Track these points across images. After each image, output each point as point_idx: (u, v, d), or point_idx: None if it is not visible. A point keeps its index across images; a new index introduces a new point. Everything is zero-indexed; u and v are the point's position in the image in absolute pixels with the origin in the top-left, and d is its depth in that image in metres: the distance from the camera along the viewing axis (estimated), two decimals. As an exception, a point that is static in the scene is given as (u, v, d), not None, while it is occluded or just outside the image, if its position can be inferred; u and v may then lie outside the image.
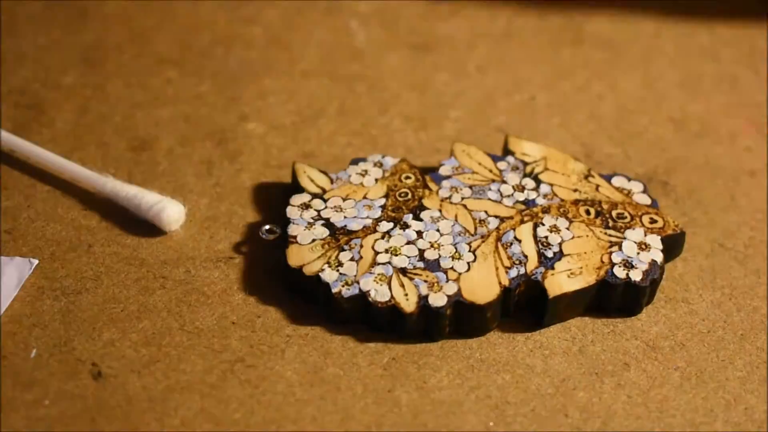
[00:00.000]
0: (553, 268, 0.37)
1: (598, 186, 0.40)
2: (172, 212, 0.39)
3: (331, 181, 0.40)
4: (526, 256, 0.37)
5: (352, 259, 0.37)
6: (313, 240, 0.38)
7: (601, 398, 0.35)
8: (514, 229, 0.38)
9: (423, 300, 0.36)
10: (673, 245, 0.39)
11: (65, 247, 0.39)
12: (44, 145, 0.42)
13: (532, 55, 0.50)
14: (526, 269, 0.37)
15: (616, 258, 0.37)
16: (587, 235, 0.38)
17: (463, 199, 0.39)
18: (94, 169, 0.41)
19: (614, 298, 0.37)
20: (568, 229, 0.38)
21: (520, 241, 0.38)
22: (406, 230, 0.38)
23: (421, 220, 0.38)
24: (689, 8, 0.53)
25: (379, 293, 0.36)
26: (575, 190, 0.40)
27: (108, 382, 0.35)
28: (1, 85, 0.46)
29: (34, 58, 0.47)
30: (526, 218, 0.39)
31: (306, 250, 0.37)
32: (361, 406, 0.34)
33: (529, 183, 0.40)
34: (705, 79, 0.49)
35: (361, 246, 0.37)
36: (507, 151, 0.42)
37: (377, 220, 0.38)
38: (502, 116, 0.46)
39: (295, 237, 0.38)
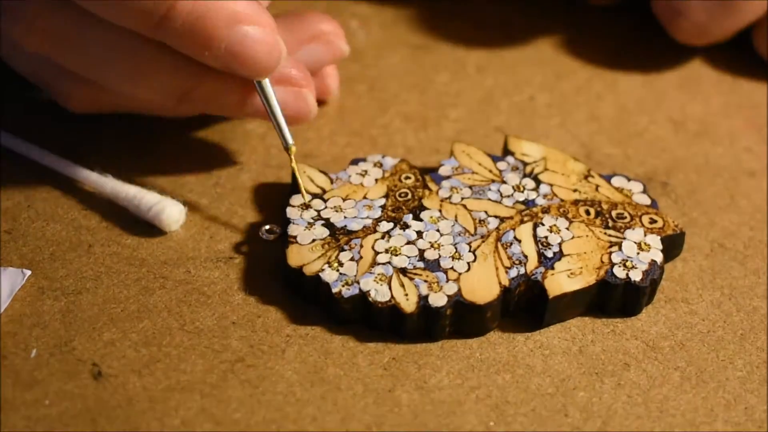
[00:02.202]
0: (553, 268, 0.37)
1: (597, 186, 0.40)
2: (172, 212, 0.39)
3: (331, 182, 0.40)
4: (526, 256, 0.37)
5: (352, 259, 0.37)
6: (313, 240, 0.38)
7: (601, 398, 0.35)
8: (514, 229, 0.38)
9: (423, 300, 0.36)
10: (672, 245, 0.39)
11: (65, 247, 0.39)
12: (44, 145, 0.42)
13: (531, 55, 0.50)
14: (526, 269, 0.37)
15: (616, 258, 0.37)
16: (587, 235, 0.38)
17: (462, 199, 0.39)
18: (94, 169, 0.41)
19: (614, 298, 0.37)
20: (567, 229, 0.38)
21: (520, 241, 0.38)
22: (406, 230, 0.38)
23: (421, 220, 0.38)
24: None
25: (379, 293, 0.36)
26: (575, 191, 0.40)
27: (108, 382, 0.35)
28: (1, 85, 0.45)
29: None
30: (525, 218, 0.39)
31: (306, 250, 0.37)
32: (361, 406, 0.34)
33: (529, 183, 0.40)
34: (704, 79, 0.49)
35: (361, 246, 0.37)
36: (506, 152, 0.42)
37: (377, 220, 0.38)
38: (502, 116, 0.46)
39: (295, 237, 0.38)
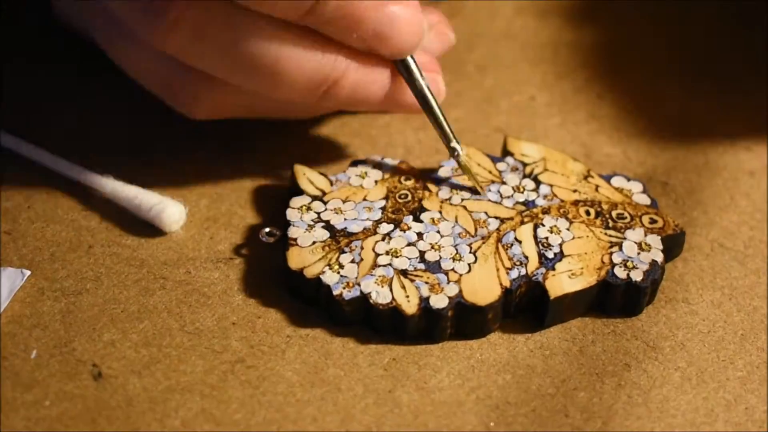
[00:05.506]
0: (554, 269, 0.37)
1: (597, 186, 0.40)
2: (172, 213, 0.39)
3: (331, 183, 0.40)
4: (526, 257, 0.37)
5: (352, 261, 0.37)
6: (314, 242, 0.38)
7: (602, 398, 0.35)
8: (514, 230, 0.38)
9: (424, 302, 0.36)
10: (673, 245, 0.39)
11: (65, 247, 0.39)
12: (44, 145, 0.42)
13: (531, 55, 0.50)
14: (527, 270, 0.37)
15: (617, 258, 0.37)
16: (587, 236, 0.38)
17: (462, 200, 0.39)
18: (94, 169, 0.41)
19: (615, 298, 0.37)
20: (568, 229, 0.38)
21: (520, 242, 0.38)
22: (407, 232, 0.38)
23: (421, 221, 0.38)
24: (689, 9, 0.53)
25: (380, 295, 0.36)
26: (575, 191, 0.40)
27: (108, 382, 0.35)
28: (1, 85, 0.45)
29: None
30: (526, 219, 0.39)
31: (306, 253, 0.37)
32: (361, 407, 0.34)
33: (529, 184, 0.40)
34: (704, 79, 0.49)
35: (362, 248, 0.37)
36: (506, 152, 0.42)
37: (377, 222, 0.38)
38: (502, 116, 0.46)
39: (295, 239, 0.38)
